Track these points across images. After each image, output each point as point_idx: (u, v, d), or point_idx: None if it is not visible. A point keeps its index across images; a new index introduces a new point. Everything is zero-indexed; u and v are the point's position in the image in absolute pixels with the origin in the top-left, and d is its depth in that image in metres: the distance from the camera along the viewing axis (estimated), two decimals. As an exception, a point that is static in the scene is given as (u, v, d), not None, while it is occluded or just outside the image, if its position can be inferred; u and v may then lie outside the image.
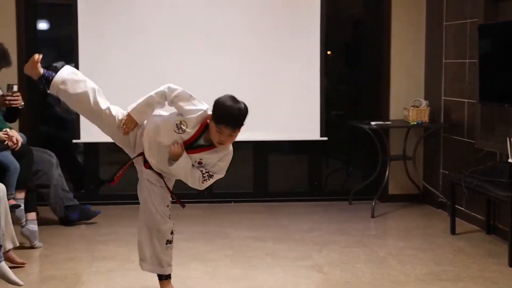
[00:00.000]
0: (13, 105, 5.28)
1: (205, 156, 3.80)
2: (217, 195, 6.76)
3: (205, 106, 3.79)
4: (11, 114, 5.52)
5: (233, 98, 3.72)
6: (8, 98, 5.23)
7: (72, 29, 6.37)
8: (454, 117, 6.26)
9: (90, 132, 6.28)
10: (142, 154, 3.88)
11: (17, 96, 5.28)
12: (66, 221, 5.82)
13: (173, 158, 3.76)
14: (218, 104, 3.70)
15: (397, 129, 6.63)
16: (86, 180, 6.77)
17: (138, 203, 3.97)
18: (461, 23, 6.10)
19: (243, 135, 3.91)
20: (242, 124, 3.72)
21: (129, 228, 5.67)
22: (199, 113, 3.75)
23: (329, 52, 6.84)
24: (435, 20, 6.54)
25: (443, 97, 6.45)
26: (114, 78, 6.28)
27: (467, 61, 6.00)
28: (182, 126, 3.76)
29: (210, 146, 3.78)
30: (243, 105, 3.71)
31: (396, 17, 6.71)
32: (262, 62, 6.52)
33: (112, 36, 6.39)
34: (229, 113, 3.68)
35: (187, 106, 3.76)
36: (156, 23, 6.40)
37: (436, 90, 6.54)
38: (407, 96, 6.67)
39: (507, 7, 5.52)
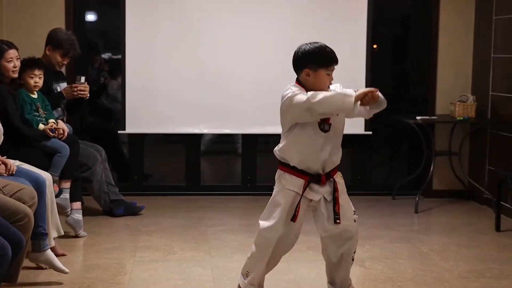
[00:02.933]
0: (80, 96, 5.34)
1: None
2: (260, 188, 6.76)
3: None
4: (75, 106, 5.56)
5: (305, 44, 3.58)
6: (77, 88, 5.28)
7: (120, 21, 6.34)
8: (502, 113, 6.16)
9: (135, 123, 6.34)
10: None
11: (85, 87, 5.34)
12: (111, 214, 5.82)
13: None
14: (308, 52, 3.55)
15: (442, 124, 6.55)
16: (130, 171, 6.80)
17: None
18: (511, 18, 5.99)
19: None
20: None
21: (172, 219, 5.72)
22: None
23: (375, 46, 6.78)
24: (484, 14, 6.43)
25: (490, 92, 6.34)
26: (163, 68, 6.30)
27: (516, 56, 5.91)
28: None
29: None
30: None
31: (444, 10, 6.60)
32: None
33: (159, 27, 6.35)
34: (325, 51, 3.58)
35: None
36: (204, 12, 6.34)
37: (483, 85, 6.44)
38: (453, 91, 6.58)
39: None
